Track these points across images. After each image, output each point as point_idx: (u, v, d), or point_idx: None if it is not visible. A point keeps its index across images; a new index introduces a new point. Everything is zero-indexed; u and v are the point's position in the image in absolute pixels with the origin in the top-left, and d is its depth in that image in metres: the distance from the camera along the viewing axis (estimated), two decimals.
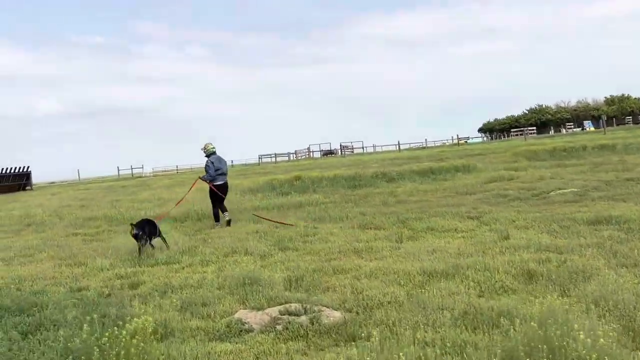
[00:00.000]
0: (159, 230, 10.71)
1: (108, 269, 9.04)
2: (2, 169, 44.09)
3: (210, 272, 8.19)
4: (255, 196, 19.55)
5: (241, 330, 5.47)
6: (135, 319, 4.49)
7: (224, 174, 13.60)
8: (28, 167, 45.70)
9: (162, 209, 18.05)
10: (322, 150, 72.98)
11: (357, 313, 5.65)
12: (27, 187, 44.92)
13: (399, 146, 61.58)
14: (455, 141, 69.41)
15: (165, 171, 65.17)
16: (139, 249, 10.01)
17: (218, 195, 13.28)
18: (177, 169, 64.88)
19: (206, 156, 13.61)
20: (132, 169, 62.38)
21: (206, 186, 14.08)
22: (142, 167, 62.55)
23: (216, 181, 13.40)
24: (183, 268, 8.67)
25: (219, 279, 7.42)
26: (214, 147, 13.61)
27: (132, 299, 6.86)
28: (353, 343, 4.84)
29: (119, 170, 63.26)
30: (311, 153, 70.93)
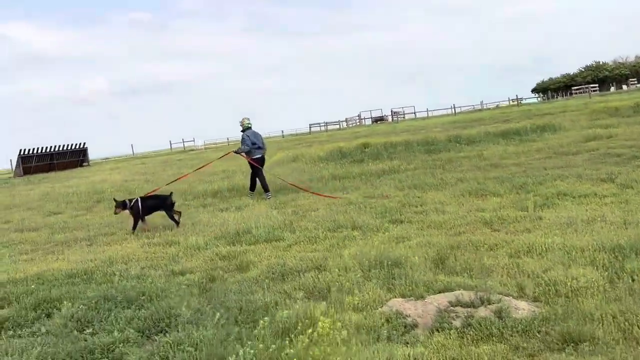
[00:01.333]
0: (168, 206, 10.50)
1: (205, 248, 8.14)
2: (60, 146, 44.38)
3: (323, 250, 7.17)
4: (327, 164, 18.48)
5: (405, 326, 4.42)
6: (321, 320, 3.46)
7: (260, 147, 13.65)
8: (84, 143, 45.92)
9: (230, 180, 17.24)
10: (372, 117, 71.25)
11: (548, 303, 4.50)
12: (84, 164, 45.20)
13: (454, 109, 59.38)
14: (510, 102, 66.59)
15: (216, 143, 64.90)
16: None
17: (254, 166, 13.47)
18: (228, 141, 64.46)
19: (242, 131, 13.78)
20: (183, 142, 62.28)
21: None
22: (194, 141, 62.33)
23: (253, 155, 13.52)
24: (290, 246, 7.68)
25: (344, 259, 6.37)
26: (249, 122, 13.71)
27: (249, 285, 5.91)
28: (572, 347, 3.71)
29: (171, 144, 63.34)
30: (362, 120, 69.34)
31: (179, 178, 15.56)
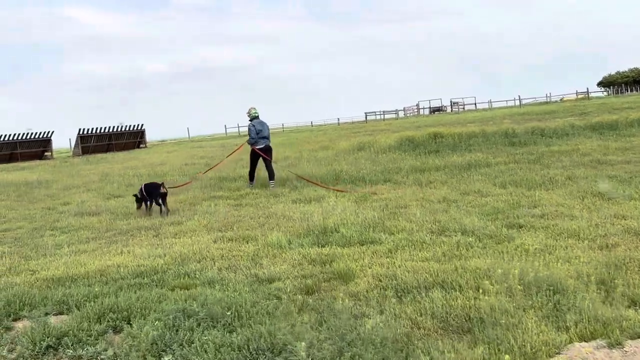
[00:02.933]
0: (158, 195, 10.91)
1: (288, 248, 7.00)
2: (118, 126, 44.45)
3: (436, 259, 5.91)
4: (402, 155, 17.16)
5: None
6: None
7: (265, 137, 13.61)
8: (142, 124, 45.87)
9: (297, 168, 16.12)
10: (431, 107, 69.10)
11: None
12: (142, 145, 45.17)
13: (520, 101, 56.70)
14: (577, 96, 63.23)
15: (271, 130, 64.19)
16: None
17: (261, 156, 13.46)
18: (282, 127, 63.71)
19: (249, 120, 13.69)
20: (239, 127, 61.83)
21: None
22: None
23: (258, 144, 13.52)
24: (391, 251, 6.44)
25: (472, 275, 5.09)
26: (256, 112, 13.69)
27: (359, 305, 4.71)
28: None
29: (226, 128, 63.01)
30: (420, 110, 67.33)
31: (214, 167, 15.40)
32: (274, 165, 13.68)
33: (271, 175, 13.38)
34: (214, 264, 6.57)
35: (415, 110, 67.78)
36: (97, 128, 42.71)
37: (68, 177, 20.65)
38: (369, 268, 5.81)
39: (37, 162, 35.93)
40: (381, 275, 5.46)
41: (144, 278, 6.10)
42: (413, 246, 6.55)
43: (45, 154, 40.36)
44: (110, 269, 6.61)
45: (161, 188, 10.95)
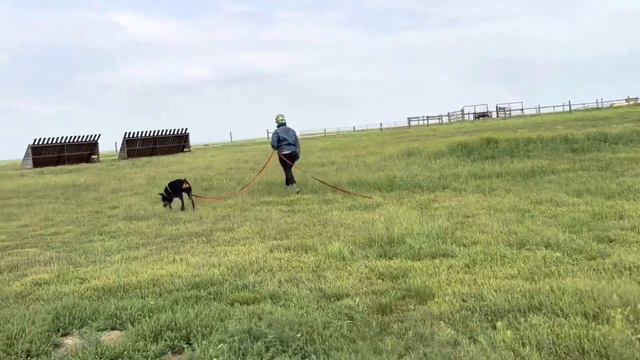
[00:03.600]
0: (181, 190, 11.83)
1: (352, 259, 6.45)
2: (162, 130, 44.82)
3: (523, 277, 5.26)
4: (453, 161, 16.44)
5: None
6: None
7: (290, 144, 13.76)
8: (186, 129, 46.18)
9: (347, 172, 15.59)
10: (476, 113, 67.64)
11: None
12: (186, 149, 45.43)
13: (570, 107, 54.89)
14: (628, 102, 60.94)
15: (313, 134, 63.96)
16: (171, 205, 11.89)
17: (286, 162, 13.63)
18: (325, 132, 63.34)
19: (276, 127, 13.90)
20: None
21: None
22: None
23: (283, 150, 13.70)
24: (468, 266, 5.82)
25: (576, 297, 4.44)
26: (283, 119, 13.86)
27: (445, 332, 4.12)
28: None
29: (268, 132, 62.92)
30: (465, 115, 65.98)
31: (246, 186, 14.59)
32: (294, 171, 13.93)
33: (291, 180, 13.60)
34: (273, 275, 6.08)
35: (460, 115, 66.44)
36: (142, 132, 43.17)
37: (115, 181, 20.62)
38: (448, 285, 5.22)
39: (84, 165, 36.41)
40: (465, 295, 4.86)
41: (200, 290, 5.65)
42: (492, 261, 5.91)
43: (92, 157, 40.96)
44: (163, 278, 6.20)
45: (184, 184, 11.94)
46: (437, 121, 66.44)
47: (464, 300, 4.76)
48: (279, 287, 5.63)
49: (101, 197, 15.25)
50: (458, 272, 5.62)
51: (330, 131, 64.41)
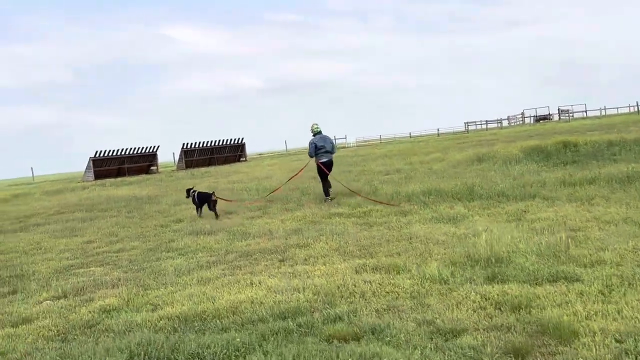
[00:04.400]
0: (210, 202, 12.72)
1: (455, 283, 5.61)
2: (219, 140, 44.91)
3: None
4: (532, 166, 15.30)
5: None
6: None
7: (328, 152, 13.85)
8: (242, 138, 46.10)
9: (420, 182, 14.69)
10: (537, 116, 65.12)
11: None
12: (242, 159, 45.37)
13: (638, 107, 51.94)
14: None
15: (368, 141, 63.05)
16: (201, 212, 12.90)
17: (323, 170, 13.67)
18: (380, 139, 62.32)
19: (313, 135, 13.90)
20: (335, 139, 61.12)
21: None
22: (345, 138, 60.98)
23: (321, 159, 13.71)
24: (603, 293, 4.87)
25: None
26: (317, 128, 13.94)
27: None
28: None
29: None
30: (525, 119, 63.64)
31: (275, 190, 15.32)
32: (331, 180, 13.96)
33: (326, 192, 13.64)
34: (367, 303, 5.30)
35: (520, 119, 64.13)
36: (199, 142, 43.34)
37: (176, 192, 20.34)
38: (590, 319, 4.31)
39: (144, 176, 36.73)
40: (620, 333, 3.95)
41: (287, 321, 4.93)
42: (631, 286, 4.96)
43: (151, 168, 41.34)
44: (243, 305, 5.52)
45: (212, 196, 12.86)
46: (495, 125, 64.43)
47: (618, 341, 3.86)
48: (378, 318, 4.85)
49: (164, 210, 14.87)
50: (594, 302, 4.70)
51: (386, 138, 63.30)
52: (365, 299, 5.43)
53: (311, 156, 13.99)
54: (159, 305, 5.91)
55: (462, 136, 50.57)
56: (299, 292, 5.77)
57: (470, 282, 5.59)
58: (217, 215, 12.46)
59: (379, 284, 5.87)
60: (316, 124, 13.99)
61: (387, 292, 5.57)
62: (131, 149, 40.64)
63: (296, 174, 16.15)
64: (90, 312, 5.90)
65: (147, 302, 6.06)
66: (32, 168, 49.76)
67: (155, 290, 6.54)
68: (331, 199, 13.27)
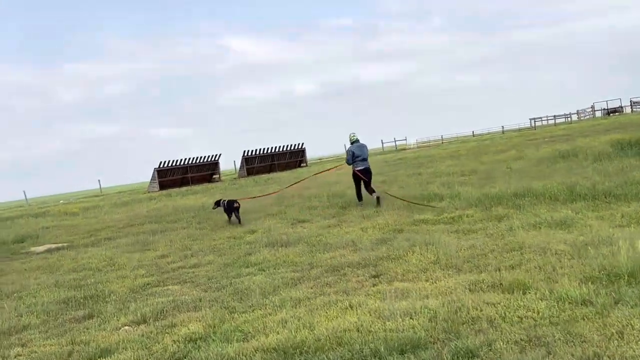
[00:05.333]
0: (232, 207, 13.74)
1: (605, 306, 4.64)
2: (279, 146, 44.66)
3: None
4: (634, 162, 13.91)
5: None
6: None
7: (364, 159, 14.24)
8: (302, 143, 45.75)
9: (498, 181, 13.61)
10: (607, 109, 61.87)
11: None
12: (303, 164, 44.97)
13: None
14: None
15: (429, 142, 61.52)
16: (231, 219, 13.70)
17: (360, 177, 14.07)
18: (442, 139, 60.67)
19: (351, 144, 14.39)
20: (395, 141, 59.98)
21: None
22: (406, 139, 59.69)
23: (357, 166, 14.10)
24: None
25: None
26: (354, 136, 14.41)
27: None
28: None
29: (382, 143, 61.39)
30: (596, 112, 60.57)
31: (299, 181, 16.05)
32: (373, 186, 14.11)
33: (371, 191, 13.86)
34: (500, 332, 4.42)
35: (590, 112, 61.09)
36: (260, 149, 43.20)
37: (242, 200, 19.90)
38: None
39: (207, 185, 36.78)
40: None
41: (407, 356, 4.12)
42: None
43: (214, 176, 41.48)
44: (348, 334, 4.74)
45: (235, 203, 13.86)
46: (563, 120, 61.67)
47: None
48: (522, 353, 3.97)
49: (234, 220, 14.33)
50: None
51: (448, 137, 61.57)
52: (495, 327, 4.55)
53: (349, 164, 14.40)
54: (250, 333, 5.22)
55: (529, 133, 48.46)
56: (411, 318, 4.94)
57: (630, 305, 4.61)
58: (240, 220, 13.44)
59: (505, 306, 4.97)
60: (353, 133, 14.50)
61: (520, 318, 4.67)
62: (194, 158, 40.91)
63: (325, 170, 17.39)
64: (175, 341, 5.26)
65: (236, 329, 5.37)
66: (99, 180, 50.95)
67: (243, 315, 5.86)
68: (376, 201, 13.39)
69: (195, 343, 5.16)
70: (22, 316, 7.05)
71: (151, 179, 38.99)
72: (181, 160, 40.29)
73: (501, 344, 4.17)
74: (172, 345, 5.17)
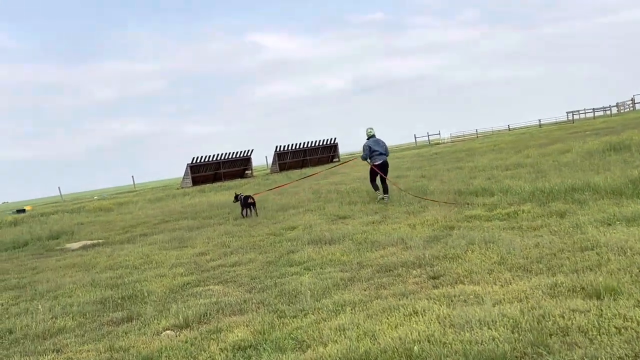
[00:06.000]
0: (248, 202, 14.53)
1: None
2: (311, 142, 44.21)
3: None
4: None
5: None
6: None
7: (382, 154, 14.22)
8: (335, 139, 45.20)
9: (552, 175, 12.87)
10: None
11: None
12: (335, 159, 44.44)
13: None
14: None
15: (463, 135, 60.32)
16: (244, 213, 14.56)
17: (376, 172, 14.19)
18: (477, 133, 59.43)
19: (367, 139, 14.39)
20: (428, 135, 58.98)
21: None
22: (439, 133, 58.65)
23: (375, 161, 14.21)
24: None
25: None
26: (371, 131, 14.41)
27: None
28: None
29: (415, 137, 60.43)
30: (637, 104, 58.57)
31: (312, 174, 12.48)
32: (388, 183, 14.22)
33: (385, 190, 13.96)
34: (599, 347, 3.81)
35: (630, 105, 59.09)
36: (292, 144, 42.80)
37: (277, 196, 19.48)
38: None
39: (240, 180, 36.52)
40: None
41: None
42: None
43: (246, 172, 41.24)
44: (419, 346, 4.18)
45: (249, 199, 14.63)
46: (601, 113, 59.81)
47: None
48: None
49: (272, 216, 13.89)
50: None
51: (483, 131, 60.26)
52: (591, 339, 3.94)
53: (364, 159, 14.46)
54: (305, 341, 4.70)
55: (568, 126, 47.06)
56: (489, 327, 4.36)
57: None
58: (256, 214, 14.43)
59: (597, 315, 4.35)
60: (370, 128, 14.49)
61: (618, 329, 4.05)
62: (226, 153, 40.69)
63: (342, 163, 16.58)
64: (222, 350, 4.78)
65: (288, 336, 4.87)
66: (132, 176, 51.28)
67: (294, 320, 5.35)
68: (385, 201, 13.60)
69: (245, 352, 4.67)
70: (57, 318, 6.67)
71: (184, 175, 38.92)
72: (214, 155, 40.13)
73: (602, 356, 3.57)
74: (220, 354, 4.69)
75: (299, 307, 5.72)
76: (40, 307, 7.18)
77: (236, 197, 15.20)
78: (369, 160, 14.34)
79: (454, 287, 5.74)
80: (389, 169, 14.68)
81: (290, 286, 6.67)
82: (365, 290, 6.14)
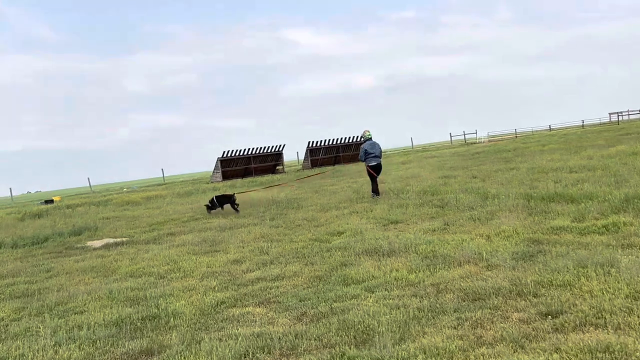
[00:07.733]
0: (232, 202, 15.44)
1: None
2: (343, 138, 42.76)
3: None
4: None
5: None
6: None
7: (377, 156, 14.96)
8: None
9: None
10: None
11: None
12: None
13: None
14: None
15: (500, 135, 58.11)
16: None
17: (371, 173, 14.91)
18: (515, 133, 57.17)
19: (363, 142, 15.25)
20: (464, 135, 56.98)
21: None
22: (476, 133, 56.59)
23: (370, 162, 14.93)
24: None
25: None
26: (369, 134, 15.25)
27: None
28: None
29: (451, 136, 58.41)
30: None
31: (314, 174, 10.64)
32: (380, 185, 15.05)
33: (376, 191, 14.84)
34: None
35: None
36: (325, 140, 41.43)
37: (315, 194, 18.07)
38: None
39: (271, 176, 35.25)
40: None
41: None
42: None
43: (277, 167, 39.99)
44: None
45: (232, 197, 15.53)
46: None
47: None
48: None
49: (312, 218, 12.46)
50: None
51: (522, 132, 57.98)
52: None
53: (362, 160, 15.16)
54: None
55: (614, 127, 44.72)
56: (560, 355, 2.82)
57: None
58: (238, 211, 15.00)
59: None
60: (368, 131, 15.32)
61: None
62: (257, 148, 39.47)
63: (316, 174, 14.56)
64: None
65: None
66: (162, 169, 50.51)
67: None
68: (373, 197, 14.45)
69: None
70: (60, 346, 5.32)
71: (214, 169, 37.81)
72: (244, 150, 38.96)
73: None
74: None
75: (375, 355, 4.23)
76: (41, 329, 5.84)
77: (212, 204, 15.64)
78: (365, 162, 15.14)
79: (584, 333, 4.21)
80: (381, 170, 15.54)
81: (355, 316, 5.20)
82: (456, 329, 4.65)
